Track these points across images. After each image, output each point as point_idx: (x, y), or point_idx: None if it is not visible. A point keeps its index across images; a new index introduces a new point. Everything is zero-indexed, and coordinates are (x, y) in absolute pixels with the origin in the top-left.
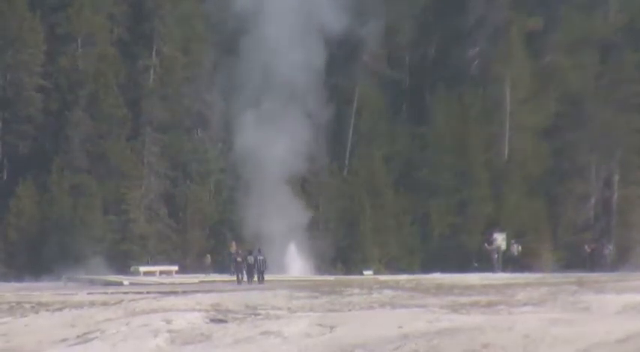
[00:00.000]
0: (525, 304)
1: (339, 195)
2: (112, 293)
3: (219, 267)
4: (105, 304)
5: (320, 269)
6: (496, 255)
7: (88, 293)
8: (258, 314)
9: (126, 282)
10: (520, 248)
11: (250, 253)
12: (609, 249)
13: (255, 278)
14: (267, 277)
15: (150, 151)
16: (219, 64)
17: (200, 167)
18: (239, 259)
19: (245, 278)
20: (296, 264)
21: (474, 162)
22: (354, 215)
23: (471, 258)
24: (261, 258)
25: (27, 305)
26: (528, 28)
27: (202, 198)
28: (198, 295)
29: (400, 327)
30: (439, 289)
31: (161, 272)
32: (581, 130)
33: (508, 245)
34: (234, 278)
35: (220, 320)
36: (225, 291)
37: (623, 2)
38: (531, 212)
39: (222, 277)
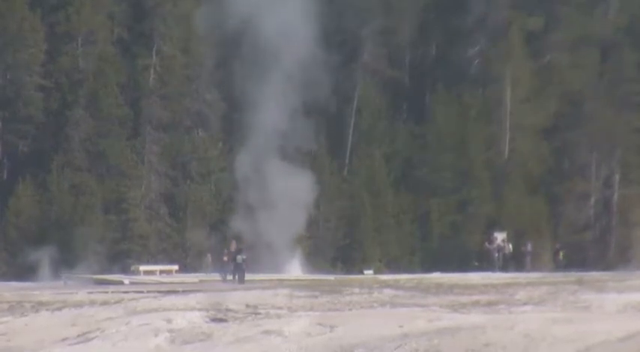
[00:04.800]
0: (526, 303)
1: (339, 194)
2: (112, 292)
3: (220, 266)
4: (105, 303)
5: (320, 268)
6: (496, 254)
7: (88, 293)
8: (259, 314)
9: (126, 281)
10: (512, 246)
11: (239, 252)
12: (525, 248)
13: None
14: (267, 276)
15: (150, 150)
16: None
17: (200, 167)
18: (225, 258)
19: (231, 276)
20: (296, 263)
21: (474, 161)
22: (354, 215)
23: (472, 257)
24: (243, 257)
25: (27, 305)
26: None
27: (202, 198)
28: (199, 294)
29: (401, 326)
30: (439, 288)
31: (161, 272)
32: (581, 130)
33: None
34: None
35: (220, 320)
36: (225, 291)
37: (623, 2)
38: (531, 211)
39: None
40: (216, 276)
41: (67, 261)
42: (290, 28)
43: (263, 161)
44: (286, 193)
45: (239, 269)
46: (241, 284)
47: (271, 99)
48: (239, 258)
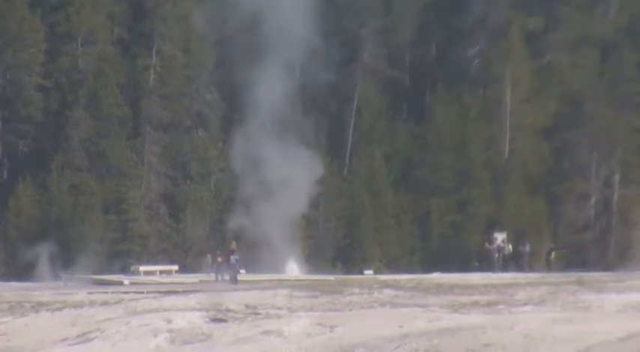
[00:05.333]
0: (526, 303)
1: (339, 194)
2: (112, 292)
3: (216, 267)
4: (105, 303)
5: (320, 268)
6: (496, 255)
7: (88, 293)
8: (259, 314)
9: (126, 282)
10: (511, 247)
11: (233, 253)
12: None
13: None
14: (267, 277)
15: (150, 151)
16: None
17: (200, 167)
18: (219, 259)
19: (227, 277)
20: (296, 263)
21: (474, 161)
22: (354, 215)
23: (472, 257)
24: (236, 257)
25: (27, 305)
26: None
27: (202, 198)
28: (199, 295)
29: (400, 327)
30: (439, 289)
31: (161, 272)
32: (581, 130)
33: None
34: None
35: (220, 320)
36: (225, 291)
37: (623, 2)
38: (532, 211)
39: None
40: (213, 277)
41: (66, 261)
42: (290, 28)
43: (262, 156)
44: (285, 182)
45: (232, 269)
46: (234, 284)
47: (271, 98)
48: (232, 258)
